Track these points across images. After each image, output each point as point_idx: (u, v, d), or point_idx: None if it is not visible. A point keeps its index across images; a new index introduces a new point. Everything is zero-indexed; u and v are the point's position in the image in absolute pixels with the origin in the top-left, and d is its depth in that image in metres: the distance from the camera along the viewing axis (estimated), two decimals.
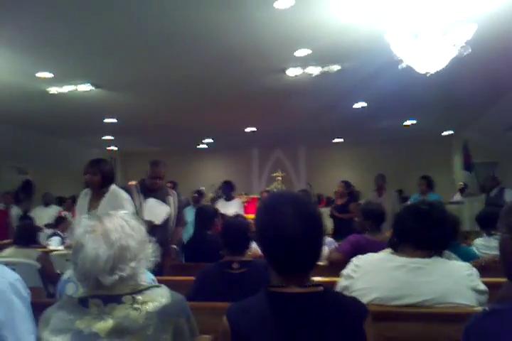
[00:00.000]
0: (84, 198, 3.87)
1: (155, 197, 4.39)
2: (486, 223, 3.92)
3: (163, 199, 4.44)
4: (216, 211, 4.58)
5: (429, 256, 1.97)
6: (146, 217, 4.06)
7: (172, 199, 4.50)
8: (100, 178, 3.73)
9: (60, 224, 6.85)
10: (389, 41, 4.19)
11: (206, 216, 4.25)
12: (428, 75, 4.27)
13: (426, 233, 1.97)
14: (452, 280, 1.90)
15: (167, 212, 4.38)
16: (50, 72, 6.14)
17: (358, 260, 2.06)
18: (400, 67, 4.28)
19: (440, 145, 12.23)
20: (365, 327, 1.35)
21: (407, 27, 4.23)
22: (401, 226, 2.07)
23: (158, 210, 4.34)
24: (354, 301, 1.44)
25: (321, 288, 1.39)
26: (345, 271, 2.08)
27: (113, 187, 3.83)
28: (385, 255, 2.09)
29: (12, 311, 1.67)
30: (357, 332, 1.33)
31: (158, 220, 4.25)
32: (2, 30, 4.70)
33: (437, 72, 4.30)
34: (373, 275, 1.96)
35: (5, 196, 9.12)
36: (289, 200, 1.43)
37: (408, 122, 10.09)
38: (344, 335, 1.32)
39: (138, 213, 4.03)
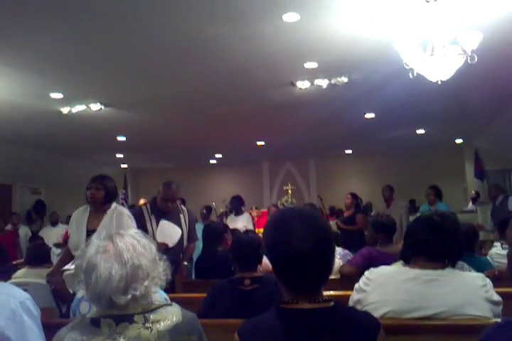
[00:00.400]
0: (82, 215, 3.69)
1: (167, 218, 4.24)
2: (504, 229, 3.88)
3: (176, 219, 4.29)
4: (225, 227, 4.56)
5: (442, 267, 1.95)
6: (160, 239, 3.96)
7: (183, 216, 4.42)
8: (103, 194, 3.60)
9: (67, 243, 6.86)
10: (398, 50, 4.19)
11: (214, 232, 4.24)
12: (439, 83, 4.26)
13: (438, 244, 1.95)
14: (466, 292, 1.87)
15: (179, 234, 4.27)
16: (60, 93, 6.23)
17: (370, 273, 2.04)
18: (411, 75, 4.28)
19: (451, 154, 12.15)
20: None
21: (415, 36, 4.25)
22: (413, 237, 2.05)
23: (171, 232, 4.20)
24: (366, 316, 1.42)
25: (332, 303, 1.37)
26: (357, 285, 2.06)
27: (115, 204, 3.71)
28: (397, 267, 2.07)
29: (24, 330, 1.67)
30: None
31: (171, 243, 4.15)
32: (15, 52, 4.80)
33: (445, 80, 4.30)
34: (386, 289, 1.94)
35: (13, 216, 9.19)
36: (297, 215, 1.43)
37: (418, 131, 10.05)
38: None
39: (151, 235, 3.91)
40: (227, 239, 4.36)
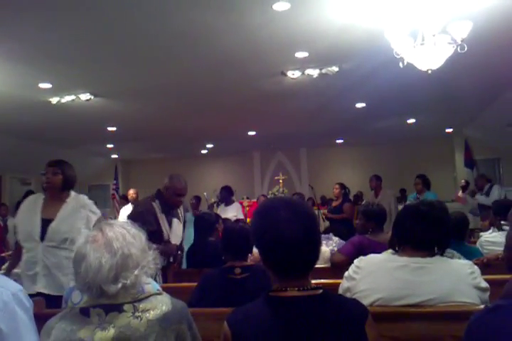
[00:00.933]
0: (34, 203, 3.32)
1: (172, 213, 3.93)
2: (499, 212, 3.94)
3: (177, 213, 4.01)
4: (217, 217, 4.55)
5: (431, 255, 1.97)
6: (173, 241, 3.78)
7: (179, 209, 4.26)
8: (61, 180, 3.25)
9: None
10: (389, 39, 4.19)
11: (206, 223, 4.24)
12: (430, 72, 4.27)
13: (425, 234, 1.96)
14: (454, 279, 1.89)
15: (181, 228, 4.09)
16: (49, 83, 6.18)
17: (359, 261, 2.06)
18: (401, 65, 4.28)
19: (441, 143, 12.22)
20: (366, 328, 1.35)
21: (405, 25, 4.25)
22: (401, 227, 2.07)
23: (178, 231, 3.97)
24: (354, 303, 1.44)
25: (320, 291, 1.39)
26: (347, 273, 2.08)
27: (74, 193, 3.36)
28: (386, 256, 2.09)
29: (16, 322, 1.67)
30: (358, 333, 1.33)
31: (178, 241, 4.03)
32: (2, 42, 4.74)
33: (436, 69, 4.31)
34: (375, 276, 1.96)
35: (1, 208, 9.10)
36: (283, 203, 1.45)
37: (408, 121, 10.08)
38: (346, 337, 1.32)
39: (166, 236, 3.70)
40: (218, 229, 4.37)
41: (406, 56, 4.26)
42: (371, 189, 7.52)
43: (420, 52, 4.16)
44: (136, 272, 1.46)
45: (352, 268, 2.07)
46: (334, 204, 7.29)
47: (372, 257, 2.10)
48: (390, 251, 2.14)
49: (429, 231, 1.96)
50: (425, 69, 4.28)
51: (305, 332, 1.31)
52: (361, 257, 2.10)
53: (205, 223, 4.27)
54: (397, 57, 4.26)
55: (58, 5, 4.05)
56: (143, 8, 4.21)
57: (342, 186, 7.23)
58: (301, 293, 1.36)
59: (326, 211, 7.27)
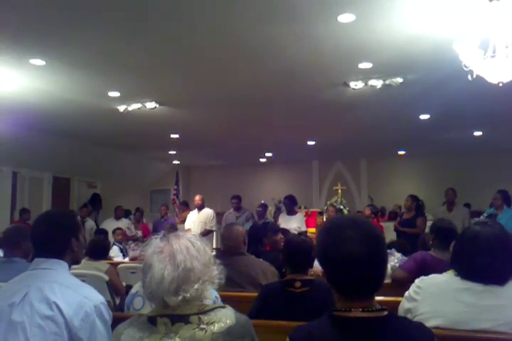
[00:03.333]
0: None
1: None
2: None
3: None
4: (266, 229, 4.57)
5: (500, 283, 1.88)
6: None
7: None
8: None
9: (113, 234, 7.09)
10: (457, 51, 4.07)
11: (256, 234, 4.30)
12: (501, 85, 4.11)
13: (485, 266, 1.88)
14: None
15: None
16: (118, 92, 6.44)
17: (420, 282, 2.01)
18: (470, 77, 4.15)
19: (510, 157, 11.69)
20: None
21: (475, 36, 4.11)
22: (460, 253, 1.99)
23: None
24: (420, 327, 1.40)
25: (385, 313, 1.37)
26: (407, 293, 2.03)
27: None
28: (448, 277, 2.00)
29: (95, 334, 1.75)
30: None
31: None
32: (74, 51, 4.98)
33: (506, 82, 4.14)
34: (437, 298, 1.90)
35: (82, 209, 9.53)
36: (350, 222, 1.44)
37: (475, 133, 9.74)
38: None
39: None
40: (265, 242, 4.39)
41: (475, 68, 4.12)
42: (447, 202, 7.21)
43: (491, 65, 4.01)
44: (196, 286, 1.47)
45: (413, 288, 2.02)
46: (406, 216, 6.88)
47: (433, 278, 2.04)
48: (453, 271, 2.07)
49: (491, 262, 1.87)
50: (496, 82, 4.13)
51: None
52: (422, 277, 2.05)
53: (255, 233, 4.34)
54: (466, 69, 4.13)
55: (128, 16, 4.22)
56: (209, 19, 4.31)
57: (414, 198, 6.87)
58: (365, 314, 1.34)
59: (395, 223, 7.00)
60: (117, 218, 9.15)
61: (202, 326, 1.45)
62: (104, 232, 7.59)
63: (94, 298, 1.80)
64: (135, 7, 4.04)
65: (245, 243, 3.59)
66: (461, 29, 4.39)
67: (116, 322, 1.68)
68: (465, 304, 1.84)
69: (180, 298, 1.45)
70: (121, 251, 6.58)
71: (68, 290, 1.78)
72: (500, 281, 1.87)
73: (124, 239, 6.95)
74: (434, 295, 1.92)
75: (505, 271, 1.90)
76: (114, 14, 4.16)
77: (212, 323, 1.46)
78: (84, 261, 4.45)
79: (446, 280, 1.99)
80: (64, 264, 1.92)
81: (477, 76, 4.17)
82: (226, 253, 3.45)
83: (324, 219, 8.37)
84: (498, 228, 2.01)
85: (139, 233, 8.45)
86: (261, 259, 3.58)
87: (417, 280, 2.04)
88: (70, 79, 5.87)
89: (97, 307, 1.77)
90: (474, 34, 4.18)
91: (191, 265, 1.49)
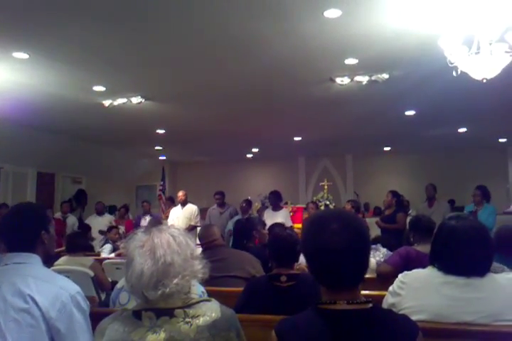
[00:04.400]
0: None
1: None
2: None
3: None
4: (259, 223, 4.57)
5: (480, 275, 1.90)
6: None
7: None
8: None
9: (110, 232, 7.03)
10: (442, 47, 4.10)
11: (243, 228, 4.29)
12: (485, 81, 4.14)
13: (466, 258, 1.90)
14: (504, 296, 1.83)
15: None
16: (102, 86, 6.38)
17: (404, 277, 2.02)
18: (454, 73, 4.18)
19: (494, 154, 11.83)
20: None
21: (460, 33, 4.14)
22: (441, 249, 2.01)
23: None
24: (405, 319, 1.40)
25: (370, 305, 1.37)
26: (391, 288, 2.04)
27: None
28: (431, 271, 2.01)
29: (73, 323, 1.74)
30: None
31: None
32: (58, 45, 4.92)
33: (491, 79, 4.18)
34: (421, 293, 1.91)
35: (63, 205, 9.45)
36: (335, 214, 1.46)
37: (459, 130, 9.83)
38: None
39: None
40: (255, 236, 4.39)
41: (460, 65, 4.15)
42: (428, 198, 7.28)
43: (475, 61, 4.04)
44: (175, 281, 1.46)
45: (397, 283, 2.03)
46: (387, 212, 6.93)
47: (416, 272, 2.05)
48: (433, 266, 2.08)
49: (472, 254, 1.89)
50: (480, 79, 4.17)
51: None
52: (406, 272, 2.06)
53: (242, 228, 4.33)
54: (451, 65, 4.16)
55: (114, 11, 4.18)
56: (196, 16, 4.29)
57: (394, 194, 6.91)
58: (350, 307, 1.35)
59: (378, 219, 7.05)
60: (99, 214, 9.12)
61: (187, 319, 1.44)
62: (87, 228, 7.53)
63: (69, 288, 1.79)
64: (121, 2, 4.00)
65: (223, 237, 3.66)
66: (446, 25, 4.43)
67: (102, 317, 1.67)
68: (448, 297, 1.86)
69: (159, 292, 1.44)
70: (114, 250, 6.54)
71: (43, 283, 1.77)
72: (481, 272, 1.90)
73: (119, 239, 6.88)
74: (418, 290, 1.93)
75: (485, 262, 1.93)
76: (100, 8, 4.11)
77: (197, 317, 1.46)
78: (67, 257, 4.42)
79: (429, 274, 2.00)
80: (36, 257, 1.90)
81: (462, 72, 4.21)
82: (207, 248, 3.57)
83: (306, 216, 8.38)
84: (473, 220, 2.06)
85: (122, 228, 8.39)
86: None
87: (400, 275, 2.05)
88: (54, 73, 5.80)
89: (73, 297, 1.77)
90: (459, 30, 4.22)
91: (171, 259, 1.47)
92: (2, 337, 1.66)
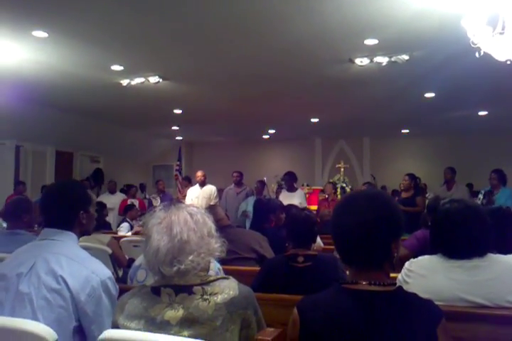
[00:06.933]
0: None
1: None
2: None
3: None
4: (278, 206, 4.55)
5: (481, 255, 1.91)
6: None
7: None
8: None
9: (129, 212, 7.11)
10: (465, 27, 4.00)
11: (262, 210, 4.30)
12: (509, 63, 4.04)
13: (464, 239, 1.91)
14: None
15: None
16: (120, 65, 6.37)
17: (410, 265, 2.03)
18: (477, 55, 4.08)
19: None
20: (438, 331, 1.30)
21: (485, 12, 4.03)
22: (438, 233, 2.03)
23: None
24: (429, 304, 1.38)
25: (392, 288, 1.37)
26: (399, 276, 2.04)
27: None
28: (436, 257, 2.01)
29: (100, 307, 1.77)
30: (429, 336, 1.29)
31: None
32: (77, 24, 4.92)
33: None
34: (429, 279, 1.92)
35: (83, 183, 9.57)
36: (364, 194, 1.51)
37: (480, 113, 9.66)
38: (414, 338, 1.29)
39: None
40: (272, 219, 4.39)
41: (483, 45, 4.05)
42: (446, 181, 7.18)
43: (499, 42, 3.94)
44: (191, 257, 1.48)
45: (404, 271, 2.04)
46: (404, 195, 6.82)
47: (421, 260, 2.05)
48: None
49: (469, 235, 1.91)
50: (504, 60, 4.07)
51: (374, 327, 1.30)
52: (412, 260, 2.08)
53: (261, 209, 4.33)
54: (474, 46, 4.07)
55: None
56: None
57: (412, 177, 6.80)
58: (371, 288, 1.35)
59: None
60: (111, 192, 9.20)
61: (205, 296, 1.46)
62: (103, 205, 7.63)
63: (101, 273, 1.82)
64: None
65: (228, 217, 3.72)
66: (470, 5, 4.31)
67: (119, 294, 1.70)
68: (458, 281, 1.87)
69: (175, 268, 1.46)
70: (132, 228, 6.64)
71: (75, 264, 1.79)
72: (481, 252, 1.91)
73: (137, 217, 6.95)
74: (425, 277, 1.94)
75: (484, 242, 1.94)
76: None
77: (215, 294, 1.47)
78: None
79: (434, 260, 2.00)
80: (73, 236, 1.93)
81: (484, 53, 4.11)
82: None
83: (326, 197, 8.37)
84: (466, 202, 2.09)
85: (136, 203, 8.44)
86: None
87: (406, 264, 2.07)
88: (73, 52, 5.81)
89: (103, 282, 1.79)
90: (483, 10, 4.11)
91: (187, 237, 1.49)
92: (33, 315, 1.69)
